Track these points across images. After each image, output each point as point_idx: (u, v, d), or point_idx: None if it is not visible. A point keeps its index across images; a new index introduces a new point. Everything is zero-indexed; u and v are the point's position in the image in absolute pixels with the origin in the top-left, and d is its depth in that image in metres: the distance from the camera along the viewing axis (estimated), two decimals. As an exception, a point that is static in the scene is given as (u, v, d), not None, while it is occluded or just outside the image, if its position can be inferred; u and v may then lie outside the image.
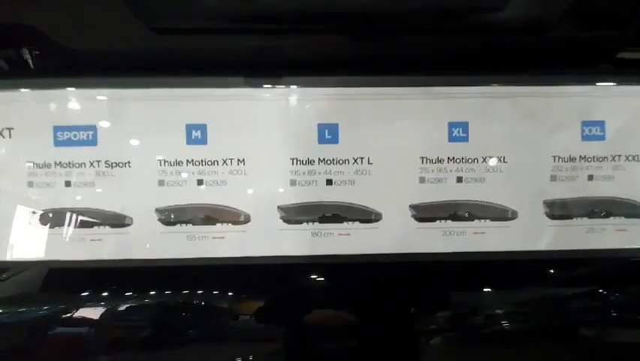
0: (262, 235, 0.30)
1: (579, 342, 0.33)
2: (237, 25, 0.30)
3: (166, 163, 0.30)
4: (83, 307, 0.30)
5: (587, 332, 0.33)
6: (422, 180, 0.31)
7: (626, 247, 0.32)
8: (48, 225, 0.30)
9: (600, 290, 0.33)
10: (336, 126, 0.31)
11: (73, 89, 0.30)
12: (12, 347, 0.31)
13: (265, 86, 0.30)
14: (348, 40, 0.31)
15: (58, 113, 0.30)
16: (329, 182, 0.31)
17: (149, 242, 0.30)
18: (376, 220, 0.31)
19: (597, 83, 0.31)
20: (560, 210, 0.31)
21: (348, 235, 0.31)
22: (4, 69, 0.32)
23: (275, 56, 0.31)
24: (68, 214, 0.30)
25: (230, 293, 0.31)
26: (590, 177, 0.31)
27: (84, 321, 0.30)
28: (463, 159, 0.31)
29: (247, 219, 0.30)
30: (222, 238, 0.30)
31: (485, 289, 0.32)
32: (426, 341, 0.32)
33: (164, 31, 0.30)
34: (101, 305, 0.30)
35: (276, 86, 0.31)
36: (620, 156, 0.31)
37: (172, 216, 0.30)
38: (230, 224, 0.30)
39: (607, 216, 0.32)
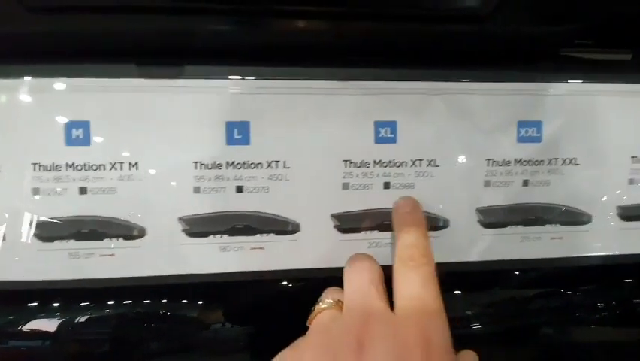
0: (160, 251, 0.26)
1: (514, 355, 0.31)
2: (130, 3, 0.25)
3: (41, 168, 0.25)
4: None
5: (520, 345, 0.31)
6: (345, 186, 0.28)
7: (563, 255, 0.30)
8: None
9: (537, 301, 0.31)
10: (247, 124, 0.27)
11: None
12: None
13: (164, 76, 0.26)
14: (261, 26, 0.26)
15: None
16: (239, 189, 0.27)
17: (23, 261, 0.25)
18: (294, 232, 0.27)
19: (536, 81, 0.28)
20: (493, 218, 0.29)
21: (262, 248, 0.27)
22: None
23: (177, 41, 0.27)
24: None
25: (123, 319, 0.27)
26: (525, 183, 0.29)
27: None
28: (390, 162, 0.28)
29: (142, 233, 0.26)
30: (112, 255, 0.26)
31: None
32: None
33: (41, 10, 0.25)
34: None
35: (178, 77, 0.26)
36: (556, 159, 0.29)
37: (50, 231, 0.25)
38: (121, 239, 0.26)
39: (542, 223, 0.30)
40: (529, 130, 0.29)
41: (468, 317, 0.30)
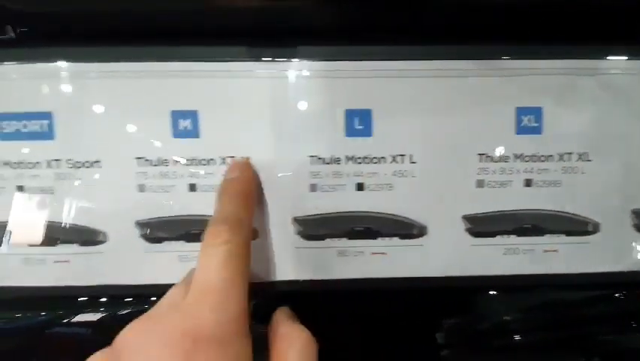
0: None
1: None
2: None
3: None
4: None
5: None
6: (480, 183, 0.24)
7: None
8: None
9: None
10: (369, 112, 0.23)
11: (19, 63, 0.23)
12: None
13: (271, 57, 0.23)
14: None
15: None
16: (359, 186, 0.24)
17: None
18: (420, 235, 0.24)
19: None
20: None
21: (384, 253, 0.24)
22: None
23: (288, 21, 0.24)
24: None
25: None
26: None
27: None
28: (533, 156, 0.24)
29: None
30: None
31: None
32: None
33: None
34: None
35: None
36: None
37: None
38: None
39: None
40: None
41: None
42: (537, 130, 0.24)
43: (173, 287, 0.21)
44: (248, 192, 0.22)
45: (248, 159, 0.23)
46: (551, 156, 0.24)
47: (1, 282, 0.24)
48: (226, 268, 0.18)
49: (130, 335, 0.18)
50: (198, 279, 0.19)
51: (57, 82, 0.22)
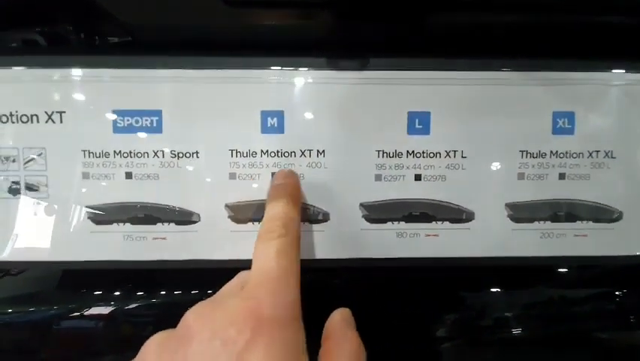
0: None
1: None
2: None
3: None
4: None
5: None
6: (521, 176, 0.28)
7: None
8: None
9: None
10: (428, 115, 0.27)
11: (135, 69, 0.27)
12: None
13: (349, 68, 0.27)
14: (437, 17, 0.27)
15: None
16: (417, 177, 0.28)
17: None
18: (468, 220, 0.28)
19: None
20: (670, 212, 0.28)
21: (437, 235, 0.28)
22: (52, 44, 0.29)
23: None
24: (128, 209, 0.27)
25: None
26: None
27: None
28: (567, 153, 0.28)
29: (326, 218, 0.27)
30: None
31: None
32: None
33: (240, 4, 0.26)
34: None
35: (362, 69, 0.27)
36: None
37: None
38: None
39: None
40: None
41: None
42: (570, 131, 0.28)
43: (228, 283, 0.23)
44: (295, 194, 0.25)
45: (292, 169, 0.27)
46: (582, 153, 0.28)
47: (104, 256, 0.28)
48: (283, 257, 0.21)
49: (196, 316, 0.19)
50: (258, 267, 0.21)
51: (166, 85, 0.27)
